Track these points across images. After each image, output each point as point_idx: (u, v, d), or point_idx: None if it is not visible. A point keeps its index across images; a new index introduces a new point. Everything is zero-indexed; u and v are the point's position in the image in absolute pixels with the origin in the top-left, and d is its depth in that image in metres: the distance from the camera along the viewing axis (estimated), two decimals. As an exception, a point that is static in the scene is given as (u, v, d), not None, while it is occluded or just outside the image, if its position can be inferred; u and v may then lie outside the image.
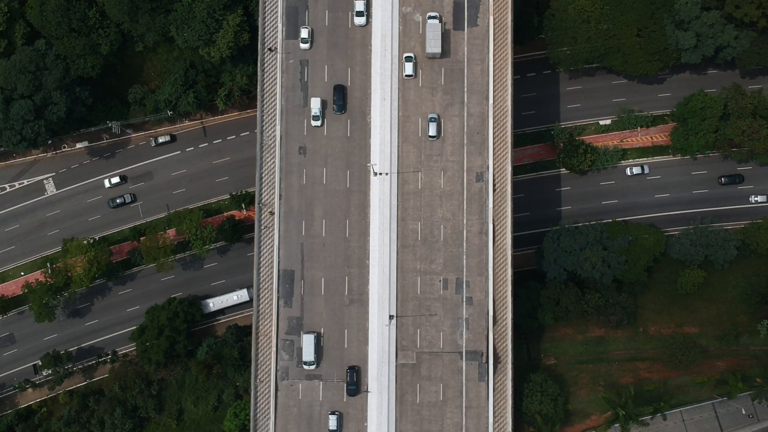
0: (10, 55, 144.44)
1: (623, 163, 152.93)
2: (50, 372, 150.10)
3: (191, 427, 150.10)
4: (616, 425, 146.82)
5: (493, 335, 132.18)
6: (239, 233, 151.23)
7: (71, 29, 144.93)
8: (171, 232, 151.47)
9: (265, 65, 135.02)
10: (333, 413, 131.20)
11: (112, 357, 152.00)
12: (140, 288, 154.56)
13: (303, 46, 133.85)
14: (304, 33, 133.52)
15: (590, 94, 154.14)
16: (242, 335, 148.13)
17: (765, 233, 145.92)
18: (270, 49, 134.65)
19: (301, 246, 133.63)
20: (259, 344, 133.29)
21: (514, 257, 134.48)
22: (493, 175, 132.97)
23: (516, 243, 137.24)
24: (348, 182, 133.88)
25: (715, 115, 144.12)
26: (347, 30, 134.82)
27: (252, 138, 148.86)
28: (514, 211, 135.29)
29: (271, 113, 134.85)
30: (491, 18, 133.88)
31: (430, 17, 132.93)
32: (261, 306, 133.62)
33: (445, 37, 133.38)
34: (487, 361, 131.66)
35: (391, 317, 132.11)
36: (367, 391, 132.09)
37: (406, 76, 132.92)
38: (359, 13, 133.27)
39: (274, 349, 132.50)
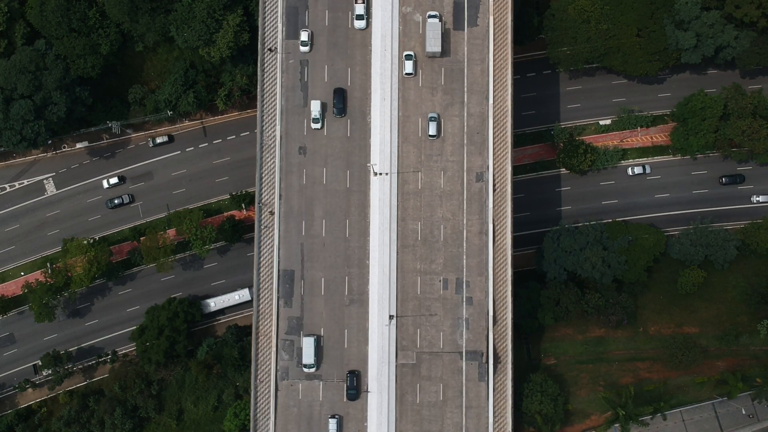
0: (10, 55, 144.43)
1: (625, 163, 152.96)
2: (50, 372, 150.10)
3: (191, 427, 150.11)
4: (616, 425, 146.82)
5: (493, 335, 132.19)
6: (239, 233, 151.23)
7: (71, 29, 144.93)
8: (171, 232, 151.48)
9: (265, 65, 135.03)
10: (333, 416, 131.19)
11: (112, 357, 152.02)
12: (140, 288, 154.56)
13: (303, 49, 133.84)
14: (303, 36, 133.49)
15: (590, 94, 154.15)
16: (242, 335, 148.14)
17: (765, 233, 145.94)
18: (270, 50, 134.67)
19: (301, 246, 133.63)
20: (259, 344, 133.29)
21: (514, 257, 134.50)
22: (493, 175, 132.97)
23: (516, 243, 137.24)
24: (348, 182, 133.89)
25: (715, 115, 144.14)
26: (347, 30, 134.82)
27: (252, 138, 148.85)
28: (514, 211, 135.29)
29: (271, 113, 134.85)
30: (491, 18, 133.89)
31: (430, 16, 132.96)
32: (261, 306, 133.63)
33: (445, 36, 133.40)
34: (487, 361, 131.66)
35: (391, 317, 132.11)
36: (367, 391, 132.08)
37: (406, 74, 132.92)
38: (359, 17, 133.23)
39: (274, 349, 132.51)
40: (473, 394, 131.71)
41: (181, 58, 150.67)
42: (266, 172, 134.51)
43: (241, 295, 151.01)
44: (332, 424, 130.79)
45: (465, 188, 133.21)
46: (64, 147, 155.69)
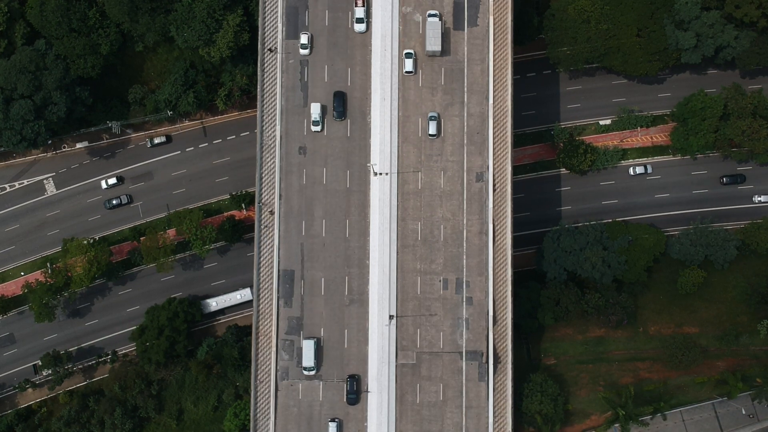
0: (10, 55, 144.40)
1: (626, 162, 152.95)
2: (50, 372, 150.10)
3: (191, 427, 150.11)
4: (616, 425, 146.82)
5: (493, 335, 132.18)
6: (239, 233, 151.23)
7: (71, 29, 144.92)
8: (171, 232, 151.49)
9: (265, 65, 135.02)
10: (333, 420, 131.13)
11: (112, 357, 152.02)
12: (140, 288, 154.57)
13: (303, 51, 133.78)
14: (303, 39, 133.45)
15: (590, 94, 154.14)
16: (242, 335, 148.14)
17: (765, 233, 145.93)
18: (270, 50, 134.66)
19: (301, 246, 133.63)
20: (259, 344, 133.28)
21: (514, 257, 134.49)
22: (493, 175, 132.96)
23: (516, 243, 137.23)
24: (348, 182, 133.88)
25: (715, 115, 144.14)
26: (347, 30, 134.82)
27: (252, 138, 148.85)
28: (514, 211, 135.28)
29: (271, 113, 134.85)
30: (491, 18, 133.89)
31: (430, 15, 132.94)
32: (261, 306, 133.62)
33: (445, 36, 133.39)
34: (487, 361, 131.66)
35: (391, 317, 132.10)
36: (367, 391, 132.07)
37: (406, 72, 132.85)
38: (359, 20, 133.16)
39: (274, 349, 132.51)
40: (473, 394, 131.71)
41: (181, 58, 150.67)
42: (266, 172, 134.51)
43: (243, 295, 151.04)
44: (332, 427, 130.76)
45: (465, 188, 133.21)
46: (64, 147, 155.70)
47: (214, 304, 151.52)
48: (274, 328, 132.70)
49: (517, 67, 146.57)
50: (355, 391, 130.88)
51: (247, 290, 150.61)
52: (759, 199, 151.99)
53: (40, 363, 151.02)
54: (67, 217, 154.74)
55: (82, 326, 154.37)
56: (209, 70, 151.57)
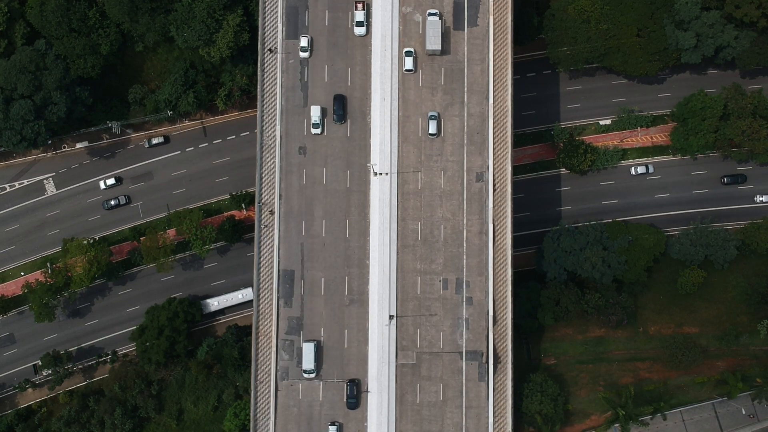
0: (10, 55, 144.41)
1: (628, 162, 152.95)
2: (50, 372, 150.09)
3: (191, 427, 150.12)
4: (616, 425, 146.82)
5: (493, 335, 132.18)
6: (239, 233, 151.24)
7: (71, 29, 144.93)
8: (171, 232, 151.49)
9: (265, 65, 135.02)
10: (333, 424, 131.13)
11: (112, 357, 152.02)
12: (140, 288, 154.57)
13: (302, 54, 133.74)
14: (303, 42, 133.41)
15: (590, 94, 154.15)
16: (242, 335, 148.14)
17: (765, 233, 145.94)
18: (270, 50, 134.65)
19: (301, 246, 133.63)
20: (259, 344, 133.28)
21: (514, 257, 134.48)
22: (493, 175, 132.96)
23: (516, 243, 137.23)
24: (348, 182, 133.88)
25: (715, 115, 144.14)
26: (347, 30, 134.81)
27: (252, 138, 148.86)
28: (514, 211, 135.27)
29: (271, 113, 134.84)
30: (491, 18, 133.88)
31: (430, 14, 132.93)
32: (261, 306, 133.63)
33: (445, 36, 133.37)
34: (487, 361, 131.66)
35: (391, 317, 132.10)
36: (367, 391, 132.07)
37: (406, 70, 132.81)
38: (359, 23, 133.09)
39: (274, 349, 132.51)
40: (473, 394, 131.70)
41: (181, 58, 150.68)
42: (266, 172, 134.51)
43: (245, 294, 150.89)
44: (332, 431, 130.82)
45: (465, 188, 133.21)
46: (64, 147, 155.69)
47: (216, 303, 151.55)
48: (274, 328, 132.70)
49: (517, 67, 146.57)
50: (355, 395, 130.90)
51: (249, 290, 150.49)
52: (761, 198, 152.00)
53: (40, 363, 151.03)
54: (67, 217, 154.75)
55: (82, 326, 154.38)
56: (209, 70, 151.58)
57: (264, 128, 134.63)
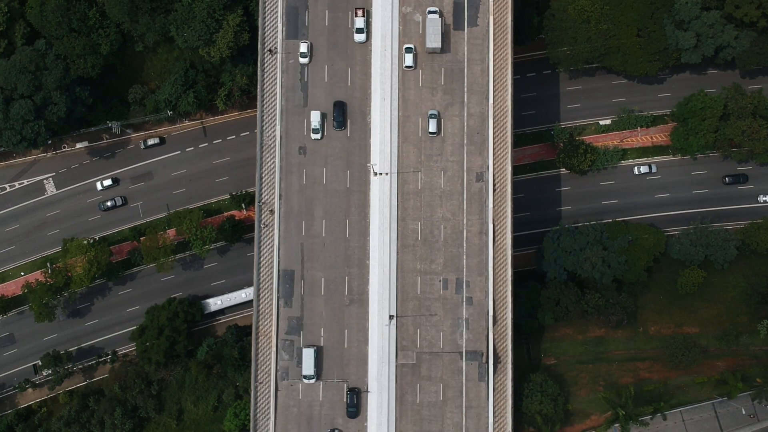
0: (10, 55, 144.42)
1: (628, 162, 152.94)
2: (50, 372, 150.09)
3: (191, 427, 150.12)
4: (616, 425, 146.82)
5: (493, 335, 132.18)
6: (239, 233, 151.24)
7: (71, 29, 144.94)
8: (171, 232, 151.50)
9: (265, 65, 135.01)
10: (332, 431, 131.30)
11: (112, 357, 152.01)
12: (140, 288, 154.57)
13: (302, 60, 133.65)
14: (303, 47, 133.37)
15: (590, 94, 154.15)
16: (242, 335, 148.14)
17: (765, 233, 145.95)
18: (270, 51, 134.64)
19: (301, 246, 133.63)
20: (259, 344, 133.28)
21: (514, 257, 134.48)
22: (493, 175, 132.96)
23: (516, 243, 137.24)
24: (348, 182, 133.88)
25: (715, 115, 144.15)
26: (347, 30, 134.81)
27: (252, 138, 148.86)
28: (514, 211, 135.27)
29: (271, 113, 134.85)
30: (491, 18, 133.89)
31: (430, 12, 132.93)
32: (261, 306, 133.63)
33: (445, 36, 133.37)
34: (487, 361, 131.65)
35: (391, 317, 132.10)
36: (367, 391, 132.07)
37: (406, 66, 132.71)
38: (359, 30, 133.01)
39: (274, 349, 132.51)
40: (473, 394, 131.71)
41: (181, 58, 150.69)
42: (266, 172, 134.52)
43: (248, 293, 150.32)
44: None
45: (465, 188, 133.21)
46: (64, 147, 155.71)
47: (219, 302, 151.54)
48: (274, 328, 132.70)
49: (517, 67, 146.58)
50: (355, 404, 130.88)
51: (251, 289, 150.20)
52: (764, 198, 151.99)
53: (40, 363, 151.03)
54: (67, 217, 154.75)
55: (82, 326, 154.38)
56: (209, 70, 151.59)
57: (264, 128, 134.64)
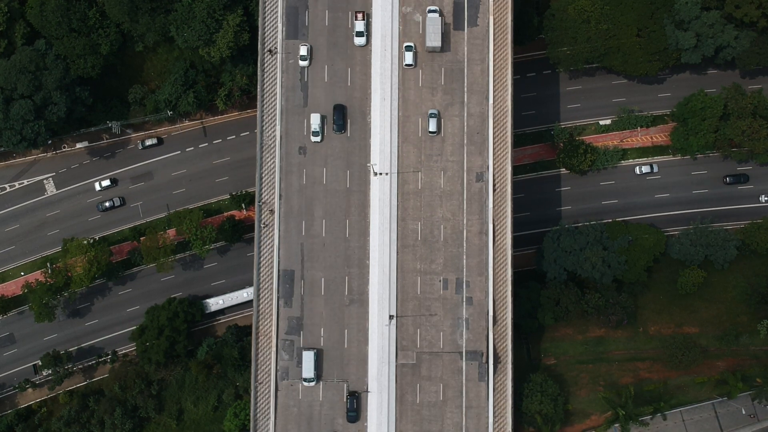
0: (10, 55, 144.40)
1: (628, 162, 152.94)
2: (50, 372, 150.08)
3: (191, 427, 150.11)
4: (616, 425, 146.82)
5: (493, 335, 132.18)
6: (239, 233, 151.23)
7: (71, 29, 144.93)
8: (171, 232, 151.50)
9: (265, 65, 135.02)
10: None
11: (112, 357, 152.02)
12: (140, 288, 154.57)
13: (302, 63, 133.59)
14: (303, 50, 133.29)
15: (590, 94, 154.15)
16: (242, 335, 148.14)
17: (765, 233, 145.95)
18: (270, 51, 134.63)
19: (301, 246, 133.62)
20: (259, 344, 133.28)
21: (514, 257, 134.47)
22: (493, 175, 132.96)
23: (516, 243, 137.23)
24: (348, 182, 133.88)
25: (715, 115, 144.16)
26: (347, 30, 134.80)
27: (252, 138, 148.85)
28: (514, 211, 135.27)
29: (271, 113, 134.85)
30: (491, 18, 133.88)
31: (430, 11, 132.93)
32: (261, 306, 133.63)
33: (445, 36, 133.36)
34: (487, 361, 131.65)
35: (391, 317, 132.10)
36: (367, 391, 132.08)
37: (406, 65, 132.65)
38: (359, 33, 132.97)
39: (274, 349, 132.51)
40: (473, 394, 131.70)
41: (181, 58, 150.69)
42: (266, 172, 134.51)
43: (249, 293, 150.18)
44: None
45: (465, 188, 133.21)
46: (64, 147, 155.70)
47: (221, 302, 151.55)
48: (274, 328, 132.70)
49: (517, 67, 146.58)
50: (356, 409, 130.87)
51: (252, 289, 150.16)
52: (766, 198, 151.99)
53: (40, 363, 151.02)
54: (67, 217, 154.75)
55: (82, 326, 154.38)
56: (209, 70, 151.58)
57: (264, 128, 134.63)
